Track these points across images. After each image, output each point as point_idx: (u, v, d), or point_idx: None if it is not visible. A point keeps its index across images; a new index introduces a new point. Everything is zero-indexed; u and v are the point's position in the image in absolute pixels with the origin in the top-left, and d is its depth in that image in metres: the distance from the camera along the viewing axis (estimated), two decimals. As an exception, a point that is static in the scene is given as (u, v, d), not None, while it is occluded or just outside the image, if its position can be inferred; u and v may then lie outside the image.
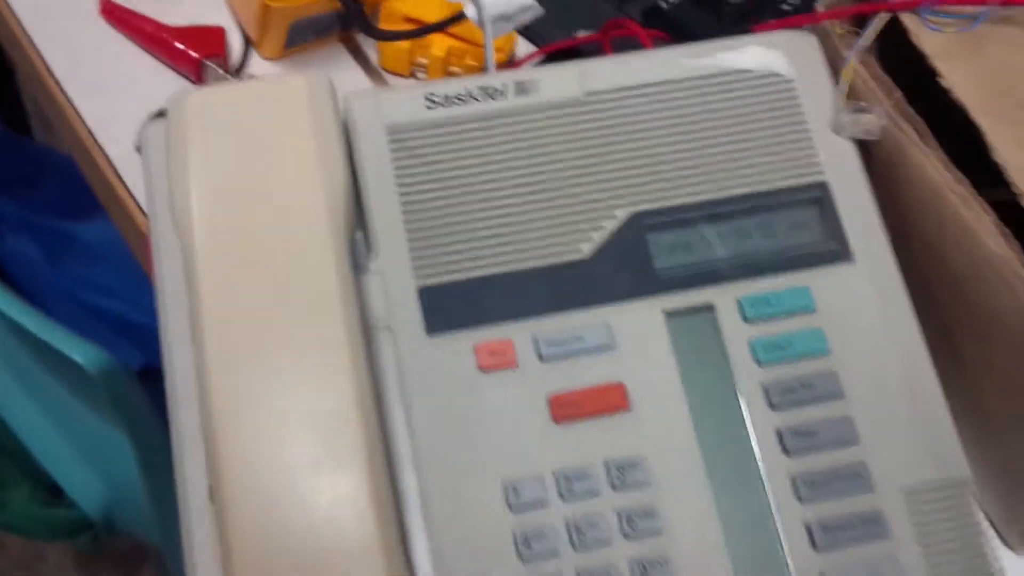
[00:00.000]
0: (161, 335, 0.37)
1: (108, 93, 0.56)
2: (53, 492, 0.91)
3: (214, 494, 0.32)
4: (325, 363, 0.33)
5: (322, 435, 0.32)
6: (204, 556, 0.34)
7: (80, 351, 0.69)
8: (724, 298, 0.39)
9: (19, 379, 0.85)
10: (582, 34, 0.58)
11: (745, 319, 0.39)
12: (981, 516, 0.37)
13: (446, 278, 0.39)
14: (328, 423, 0.32)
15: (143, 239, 0.51)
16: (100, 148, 0.53)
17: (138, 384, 0.77)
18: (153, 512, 0.82)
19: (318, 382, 0.33)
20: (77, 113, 0.54)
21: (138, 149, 0.41)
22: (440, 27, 0.54)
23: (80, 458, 0.86)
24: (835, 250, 0.40)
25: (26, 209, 0.95)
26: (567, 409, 0.37)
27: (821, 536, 0.36)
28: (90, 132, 0.54)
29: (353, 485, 0.32)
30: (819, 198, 0.41)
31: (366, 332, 0.36)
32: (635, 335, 0.38)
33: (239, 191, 0.35)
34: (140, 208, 0.52)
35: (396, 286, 0.38)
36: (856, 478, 0.37)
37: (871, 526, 0.36)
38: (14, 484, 0.91)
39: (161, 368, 0.80)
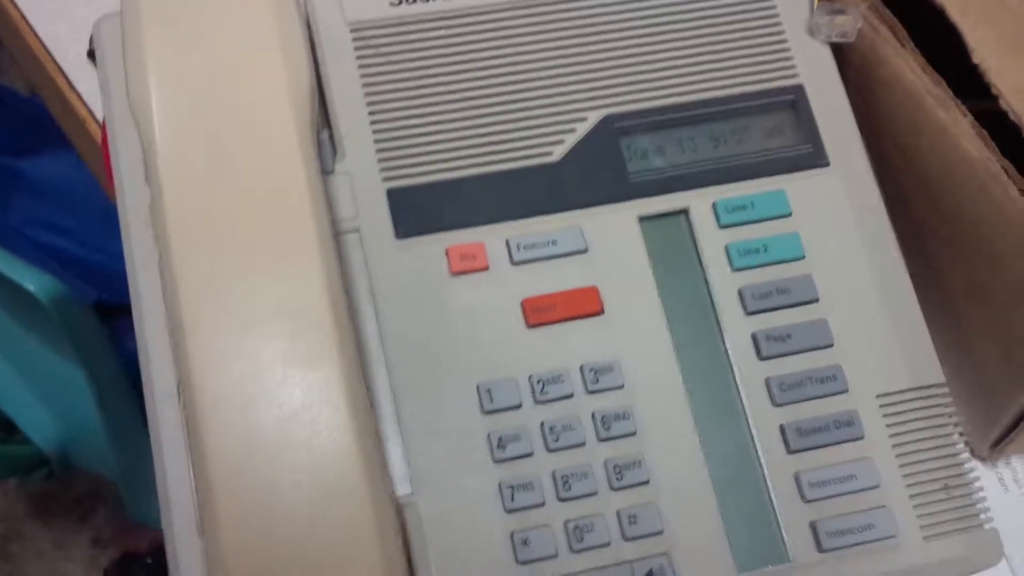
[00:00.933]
0: (124, 241, 0.36)
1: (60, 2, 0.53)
2: (5, 428, 0.89)
3: (181, 392, 0.31)
4: (295, 256, 0.32)
5: (294, 330, 0.31)
6: (172, 449, 0.33)
7: (34, 281, 0.67)
8: (699, 203, 0.39)
9: (-32, 314, 0.83)
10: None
11: (720, 224, 0.38)
12: (955, 419, 0.37)
13: (415, 180, 0.38)
14: (300, 319, 0.31)
15: (100, 153, 0.49)
16: (52, 59, 0.51)
17: (93, 315, 0.75)
18: (110, 447, 0.81)
19: (288, 278, 0.31)
20: (27, 23, 0.52)
21: (91, 55, 0.40)
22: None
23: (34, 393, 0.85)
24: (810, 154, 0.40)
25: (-27, 145, 0.92)
26: (541, 313, 0.36)
27: (795, 438, 0.36)
28: (41, 42, 0.52)
29: (327, 379, 0.30)
30: (794, 102, 0.40)
31: (334, 234, 0.34)
32: (609, 239, 0.38)
33: (200, 86, 0.34)
34: (96, 120, 0.50)
35: (364, 188, 0.37)
36: (830, 380, 0.37)
37: (845, 428, 0.36)
38: (-35, 420, 0.89)
39: (113, 304, 0.78)
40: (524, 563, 0.34)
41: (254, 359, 0.31)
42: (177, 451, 0.33)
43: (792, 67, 0.41)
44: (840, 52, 0.41)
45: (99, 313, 0.78)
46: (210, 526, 0.30)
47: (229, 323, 0.31)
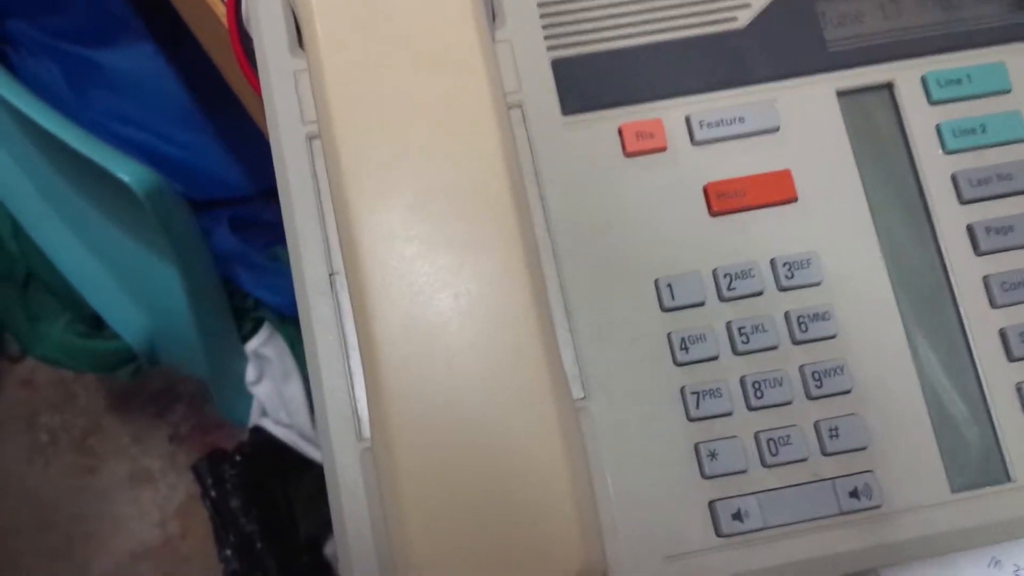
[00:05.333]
0: (268, 122, 0.32)
1: None
2: (93, 324, 0.87)
3: (346, 272, 0.27)
4: (470, 128, 0.28)
5: (471, 209, 0.27)
6: (326, 336, 0.30)
7: (129, 171, 0.64)
8: (906, 76, 0.34)
9: (56, 207, 0.80)
10: None
11: (930, 100, 0.33)
12: None
13: (583, 49, 0.33)
14: (478, 197, 0.27)
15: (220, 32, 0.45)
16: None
17: (188, 209, 0.72)
18: (200, 342, 0.79)
19: (463, 152, 0.27)
20: None
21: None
22: None
23: (123, 289, 0.82)
24: (1029, 23, 0.35)
25: (48, 34, 0.89)
26: (726, 199, 0.32)
27: (1018, 344, 0.32)
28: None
29: (507, 267, 0.27)
30: (1014, -39, 0.35)
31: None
32: (803, 117, 0.33)
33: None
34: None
35: (526, 58, 0.33)
36: (1059, 279, 0.32)
37: (1075, 333, 0.32)
38: (53, 316, 0.88)
39: (196, 200, 0.75)
40: (710, 477, 0.30)
41: (427, 241, 0.27)
42: (331, 347, 0.30)
43: (1013, -81, 0.35)
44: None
45: (184, 210, 0.75)
46: (379, 423, 0.27)
47: (399, 200, 0.27)
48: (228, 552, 0.87)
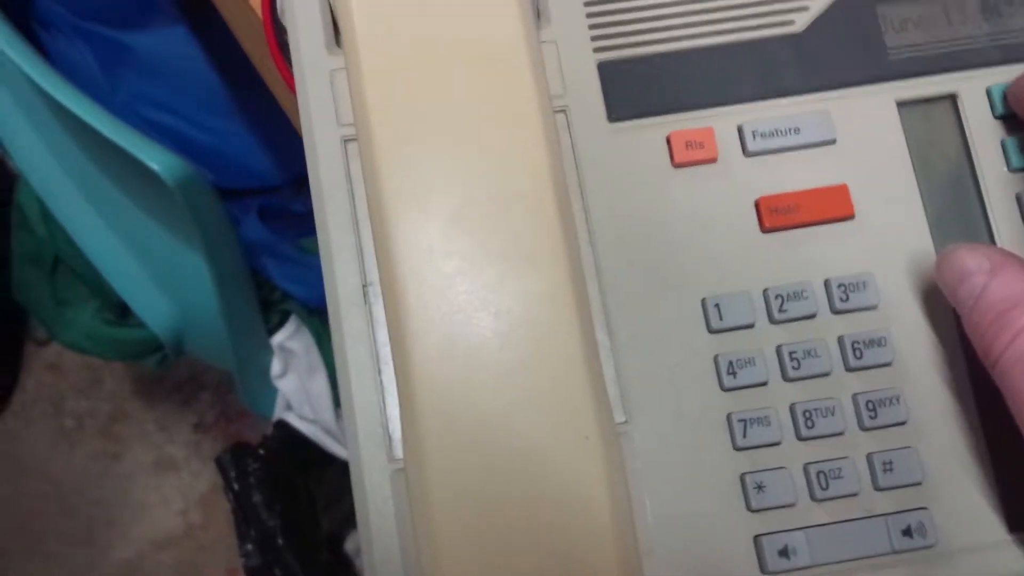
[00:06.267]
0: (302, 115, 0.30)
1: None
2: (120, 312, 0.86)
3: (382, 288, 0.26)
4: (515, 133, 0.26)
5: (514, 222, 0.25)
6: (358, 349, 0.28)
7: (159, 159, 0.63)
8: (970, 87, 0.32)
9: (86, 192, 0.80)
10: None
11: (995, 113, 0.32)
12: None
13: (631, 52, 0.32)
14: (523, 209, 0.26)
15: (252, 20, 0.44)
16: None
17: (218, 199, 0.71)
18: (226, 334, 0.78)
19: (507, 160, 0.26)
20: None
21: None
22: None
23: (150, 277, 0.82)
24: (1106, 33, 0.33)
25: (79, 15, 0.88)
26: (779, 214, 0.31)
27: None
28: None
29: (553, 286, 0.25)
30: (1089, -32, 0.33)
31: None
32: (861, 128, 0.31)
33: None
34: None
35: (572, 60, 0.31)
36: None
37: None
38: (80, 302, 0.87)
39: (226, 188, 0.74)
40: (756, 511, 0.29)
41: (468, 256, 0.25)
42: (363, 360, 0.29)
43: (1090, -77, 0.33)
44: None
45: (213, 196, 0.74)
46: (413, 446, 0.26)
47: (439, 212, 0.26)
48: (249, 547, 0.86)
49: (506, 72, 0.27)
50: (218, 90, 0.83)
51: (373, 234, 0.27)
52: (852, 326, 0.30)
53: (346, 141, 0.30)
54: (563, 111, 0.31)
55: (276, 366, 0.83)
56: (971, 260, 0.28)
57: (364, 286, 0.28)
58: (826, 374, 0.30)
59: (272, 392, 0.86)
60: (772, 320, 0.30)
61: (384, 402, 0.28)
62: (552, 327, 0.25)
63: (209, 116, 0.85)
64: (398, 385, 0.26)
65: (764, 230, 0.31)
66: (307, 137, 0.30)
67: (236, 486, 0.91)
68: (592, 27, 0.32)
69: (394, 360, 0.26)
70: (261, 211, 0.81)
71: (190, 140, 0.84)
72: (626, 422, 0.29)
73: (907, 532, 0.29)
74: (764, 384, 0.30)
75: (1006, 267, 0.27)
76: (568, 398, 0.25)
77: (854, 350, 0.30)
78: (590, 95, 0.31)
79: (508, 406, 0.25)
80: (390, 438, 0.28)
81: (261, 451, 0.90)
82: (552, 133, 0.27)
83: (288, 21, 0.31)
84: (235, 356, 0.81)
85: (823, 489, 0.29)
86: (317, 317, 0.83)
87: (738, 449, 0.29)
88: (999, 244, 0.31)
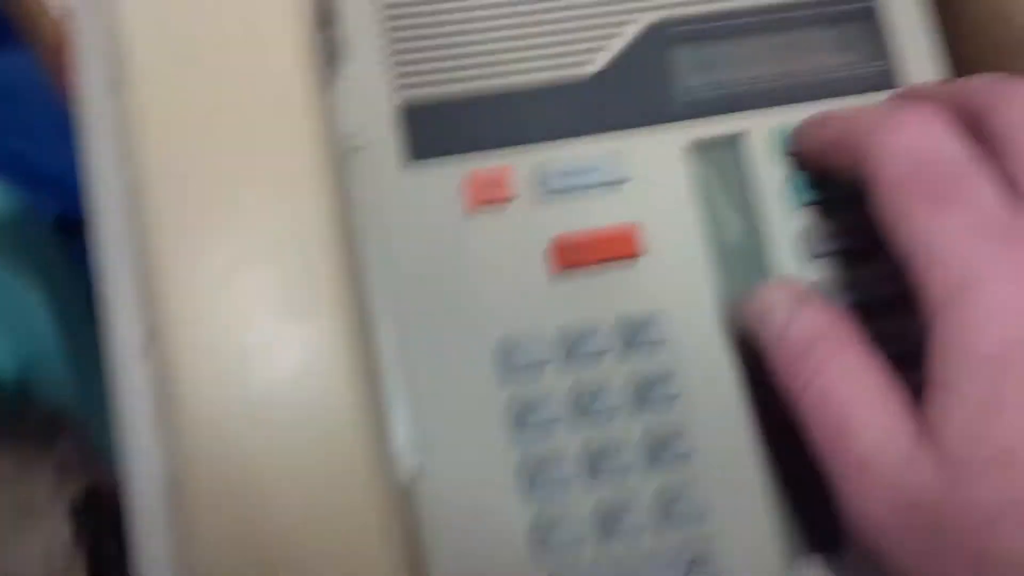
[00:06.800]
0: (84, 157, 0.30)
1: None
2: (-42, 355, 0.83)
3: (151, 345, 0.25)
4: (289, 182, 0.26)
5: (287, 274, 0.25)
6: (139, 415, 0.28)
7: (-19, 195, 0.60)
8: (757, 127, 0.33)
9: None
10: None
11: (781, 153, 0.33)
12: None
13: (431, 91, 0.32)
14: (295, 260, 0.25)
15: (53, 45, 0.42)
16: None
17: (52, 232, 0.69)
18: (72, 375, 0.75)
19: (280, 207, 0.26)
20: None
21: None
22: None
23: (-13, 317, 0.78)
24: (884, 73, 0.34)
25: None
26: (572, 254, 0.31)
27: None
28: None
29: (324, 337, 0.25)
30: (870, 10, 0.35)
31: (337, 155, 0.29)
32: (652, 168, 0.32)
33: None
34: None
35: (371, 99, 0.31)
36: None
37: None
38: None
39: (76, 218, 0.72)
40: (547, 547, 0.29)
41: (241, 309, 0.25)
42: (145, 417, 0.28)
43: (865, -29, 0.35)
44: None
45: (61, 228, 0.72)
46: (181, 507, 0.25)
47: (212, 262, 0.25)
48: (100, 597, 0.83)
49: (282, 117, 0.26)
50: (68, 118, 0.80)
51: (143, 288, 0.26)
52: (641, 363, 0.30)
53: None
54: (359, 151, 0.31)
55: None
56: (774, 296, 0.29)
57: (146, 340, 0.28)
58: (616, 410, 0.30)
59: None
60: (564, 360, 0.30)
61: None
62: (324, 380, 0.25)
63: (61, 145, 0.82)
64: (167, 454, 0.25)
65: (557, 269, 0.31)
66: (87, 172, 0.29)
67: (89, 535, 0.88)
68: (392, 66, 0.32)
69: (163, 426, 0.25)
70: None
71: (41, 168, 0.81)
72: (420, 468, 0.29)
73: (693, 564, 0.29)
74: (556, 423, 0.30)
75: (808, 304, 0.28)
76: (339, 451, 0.25)
77: (643, 386, 0.30)
78: (388, 135, 0.31)
79: (281, 465, 0.25)
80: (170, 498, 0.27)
81: (117, 496, 0.87)
82: (332, 178, 0.27)
83: (74, 59, 0.31)
84: (82, 395, 0.78)
85: (613, 526, 0.29)
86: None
87: (530, 488, 0.29)
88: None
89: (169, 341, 0.25)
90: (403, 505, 0.27)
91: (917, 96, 0.31)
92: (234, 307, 0.25)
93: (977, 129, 0.27)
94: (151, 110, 0.26)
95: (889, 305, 0.31)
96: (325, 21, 0.31)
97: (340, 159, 0.29)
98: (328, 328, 0.25)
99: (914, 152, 0.27)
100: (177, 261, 0.25)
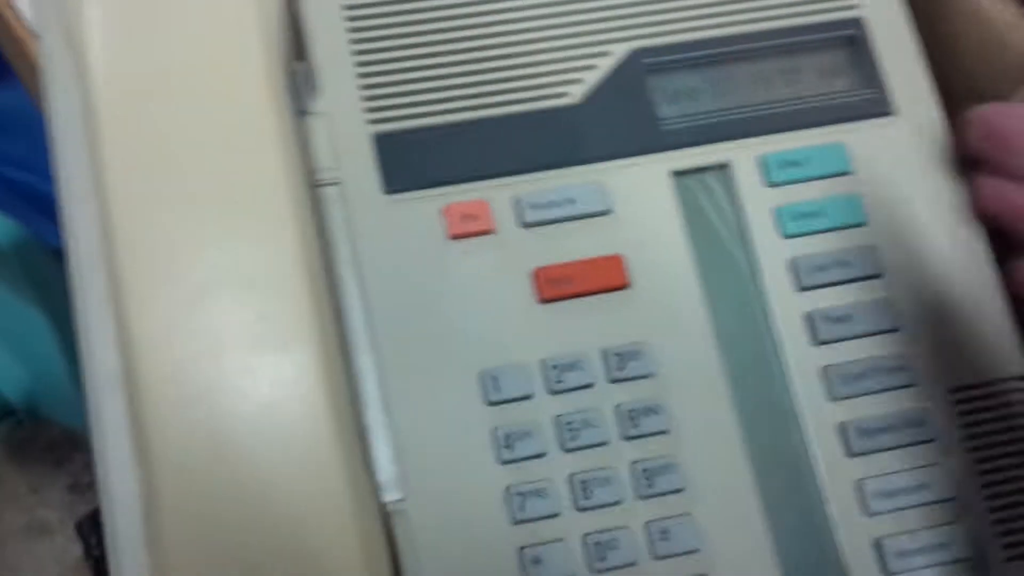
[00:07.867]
0: (58, 190, 0.30)
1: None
2: (-33, 377, 0.83)
3: (127, 378, 0.25)
4: (260, 214, 0.26)
5: (258, 304, 0.25)
6: (116, 444, 0.27)
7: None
8: (743, 156, 0.33)
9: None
10: None
11: (768, 182, 0.32)
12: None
13: (408, 123, 0.32)
14: (266, 290, 0.25)
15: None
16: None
17: (55, 259, 0.70)
18: (77, 395, 0.75)
19: (252, 241, 0.25)
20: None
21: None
22: None
23: (-2, 339, 0.79)
24: (873, 101, 0.34)
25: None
26: (555, 285, 0.31)
27: (856, 439, 0.30)
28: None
29: (298, 366, 0.25)
30: (853, 37, 0.34)
31: (309, 187, 0.28)
32: (636, 199, 0.32)
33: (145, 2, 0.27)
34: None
35: (346, 132, 0.31)
36: (897, 372, 0.31)
37: (914, 428, 0.31)
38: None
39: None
40: (535, 581, 0.29)
41: (209, 339, 0.25)
42: (121, 446, 0.28)
43: (852, -5, 0.34)
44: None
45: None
46: (155, 541, 0.25)
47: (180, 294, 0.25)
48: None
49: (252, 151, 0.26)
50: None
51: (116, 321, 0.26)
52: (628, 395, 0.30)
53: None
54: (336, 184, 0.31)
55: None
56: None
57: (119, 369, 0.28)
58: (604, 443, 0.30)
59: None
60: (549, 391, 0.30)
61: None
62: (299, 410, 0.25)
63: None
64: (141, 485, 0.25)
65: (541, 301, 0.31)
66: (61, 205, 0.29)
67: (97, 552, 0.88)
68: (368, 99, 0.31)
69: (137, 457, 0.25)
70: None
71: (45, 196, 0.82)
72: (403, 499, 0.29)
73: (684, 600, 0.29)
74: (542, 456, 0.29)
75: None
76: (316, 480, 0.25)
77: (631, 418, 0.30)
78: (365, 167, 0.31)
79: (252, 492, 0.25)
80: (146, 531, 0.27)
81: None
82: (304, 211, 0.27)
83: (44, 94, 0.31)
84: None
85: (601, 560, 0.29)
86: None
87: (516, 523, 0.29)
88: (774, 310, 0.31)
89: (136, 374, 0.25)
90: (378, 536, 0.27)
91: None
92: (204, 336, 0.25)
93: None
94: (119, 142, 0.26)
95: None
96: (297, 53, 0.31)
97: (313, 190, 0.29)
98: (301, 358, 0.25)
99: None
100: (147, 289, 0.25)
